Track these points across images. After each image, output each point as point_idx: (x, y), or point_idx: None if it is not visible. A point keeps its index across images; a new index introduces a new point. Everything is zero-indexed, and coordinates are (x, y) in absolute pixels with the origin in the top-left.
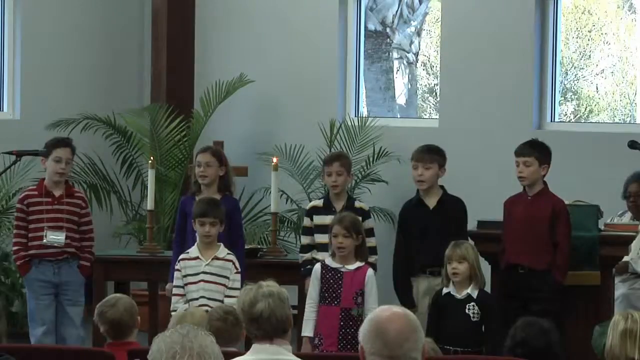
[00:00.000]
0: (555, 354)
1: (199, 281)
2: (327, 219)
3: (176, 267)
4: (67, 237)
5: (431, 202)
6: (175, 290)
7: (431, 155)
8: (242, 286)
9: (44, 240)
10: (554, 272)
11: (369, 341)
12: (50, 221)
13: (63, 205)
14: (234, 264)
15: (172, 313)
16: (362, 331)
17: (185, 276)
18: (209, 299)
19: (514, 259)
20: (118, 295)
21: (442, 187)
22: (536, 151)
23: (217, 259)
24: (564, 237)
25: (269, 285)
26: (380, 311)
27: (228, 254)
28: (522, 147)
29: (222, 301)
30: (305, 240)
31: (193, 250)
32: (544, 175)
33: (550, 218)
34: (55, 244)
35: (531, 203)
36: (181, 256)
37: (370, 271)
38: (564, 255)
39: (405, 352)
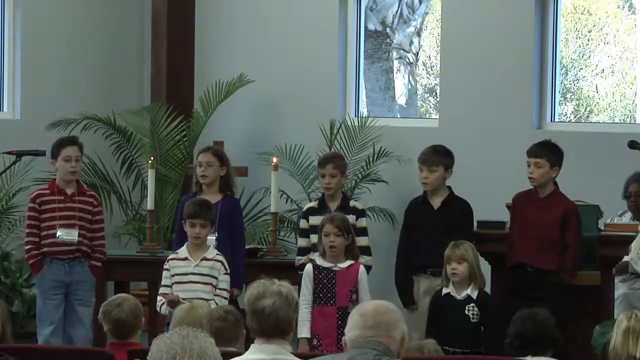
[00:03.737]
0: (553, 341)
1: (188, 282)
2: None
3: (165, 266)
4: (79, 235)
5: (436, 202)
6: (161, 290)
7: (437, 157)
8: (240, 286)
9: (57, 238)
10: (562, 272)
11: (349, 324)
12: (63, 219)
13: (75, 204)
14: (222, 264)
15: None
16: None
17: (173, 276)
18: (196, 299)
19: (522, 259)
20: (124, 295)
21: (449, 187)
22: (548, 152)
23: (206, 259)
24: (575, 239)
25: (281, 284)
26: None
27: (217, 254)
28: (534, 147)
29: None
30: (302, 242)
31: (182, 251)
32: (555, 177)
33: (561, 220)
34: (68, 242)
35: (542, 204)
36: (170, 256)
37: (362, 268)
38: (574, 257)
39: (379, 323)
